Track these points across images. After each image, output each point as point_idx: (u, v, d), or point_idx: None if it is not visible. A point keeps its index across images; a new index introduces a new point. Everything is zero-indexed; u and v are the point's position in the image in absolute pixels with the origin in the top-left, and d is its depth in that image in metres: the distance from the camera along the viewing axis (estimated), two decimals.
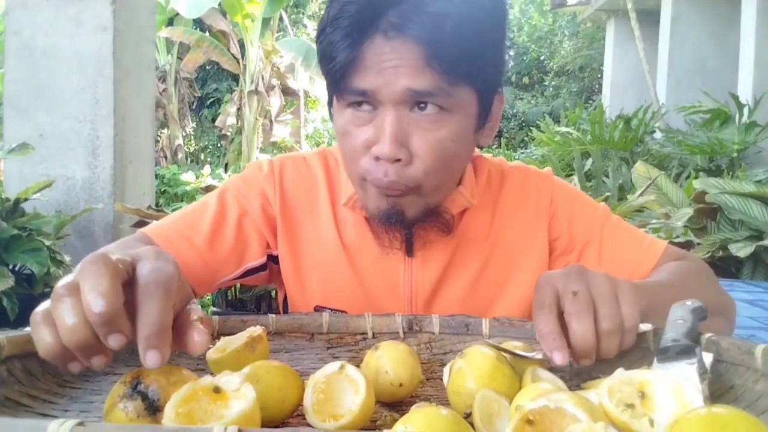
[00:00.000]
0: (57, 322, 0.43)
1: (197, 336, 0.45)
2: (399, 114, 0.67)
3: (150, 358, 0.42)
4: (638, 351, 0.61)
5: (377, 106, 0.68)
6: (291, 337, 0.70)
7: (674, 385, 0.44)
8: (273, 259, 0.87)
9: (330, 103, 0.76)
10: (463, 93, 0.69)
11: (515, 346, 0.60)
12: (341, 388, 0.50)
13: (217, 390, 0.43)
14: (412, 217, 0.74)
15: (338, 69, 0.67)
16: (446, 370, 0.56)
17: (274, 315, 0.72)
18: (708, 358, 0.52)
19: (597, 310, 0.56)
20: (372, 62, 0.66)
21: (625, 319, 0.56)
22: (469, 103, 0.70)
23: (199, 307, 0.49)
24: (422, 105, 0.67)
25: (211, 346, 0.61)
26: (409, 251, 0.82)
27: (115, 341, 0.42)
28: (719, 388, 0.54)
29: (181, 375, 0.46)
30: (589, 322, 0.55)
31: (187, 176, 7.81)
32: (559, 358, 0.54)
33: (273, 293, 2.47)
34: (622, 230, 0.86)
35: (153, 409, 0.44)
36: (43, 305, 0.45)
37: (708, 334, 0.57)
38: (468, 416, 0.47)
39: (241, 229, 0.83)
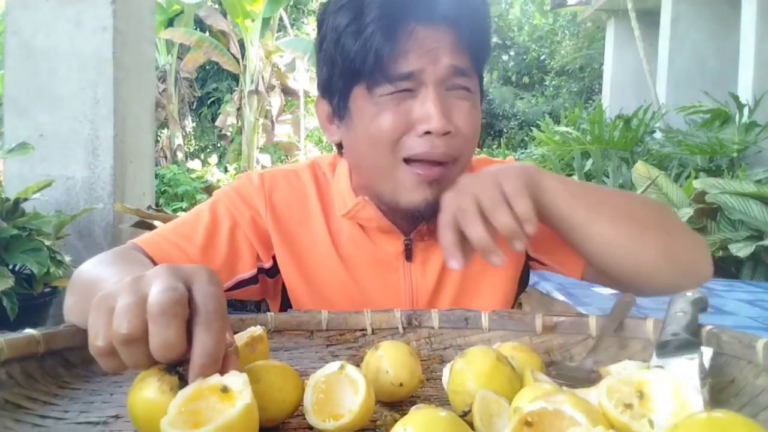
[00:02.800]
0: (126, 359, 0.45)
1: (231, 366, 0.47)
2: (440, 92, 0.72)
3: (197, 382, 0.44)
4: (639, 342, 0.61)
5: (417, 88, 0.72)
6: (290, 335, 0.70)
7: (673, 385, 0.44)
8: (263, 272, 0.87)
9: (341, 103, 0.77)
10: (475, 75, 0.76)
11: (514, 346, 0.60)
12: (341, 388, 0.50)
13: (225, 390, 0.44)
14: None
15: (378, 58, 0.70)
16: (446, 370, 0.56)
17: (272, 313, 0.72)
18: (708, 352, 0.52)
19: (486, 211, 0.64)
20: (412, 47, 0.70)
21: (514, 205, 0.64)
22: (476, 83, 0.77)
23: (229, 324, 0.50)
24: (456, 85, 0.73)
25: None
26: (409, 257, 0.83)
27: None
28: (720, 382, 0.54)
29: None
30: (478, 225, 0.63)
31: (194, 164, 7.87)
32: (454, 263, 0.64)
33: None
34: None
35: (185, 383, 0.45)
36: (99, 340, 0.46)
37: (708, 327, 0.57)
38: (465, 414, 0.48)
39: (234, 240, 0.83)
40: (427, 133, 0.71)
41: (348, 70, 0.72)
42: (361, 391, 0.48)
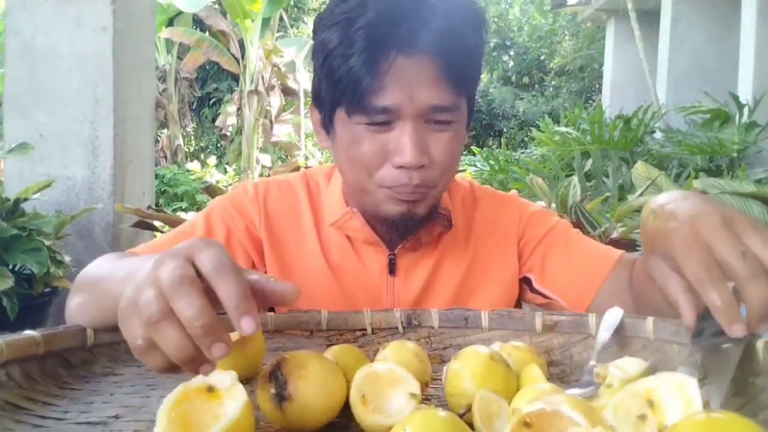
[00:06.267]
0: (163, 344, 0.43)
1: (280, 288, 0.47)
2: (417, 125, 0.72)
3: (245, 324, 0.42)
4: (639, 341, 0.61)
5: (394, 120, 0.72)
6: (290, 335, 0.71)
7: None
8: None
9: (327, 118, 0.77)
10: (462, 102, 0.76)
11: (515, 346, 0.60)
12: (392, 386, 0.50)
13: (210, 389, 0.44)
14: (422, 217, 0.78)
15: (357, 90, 0.69)
16: (445, 371, 0.57)
17: (272, 313, 0.72)
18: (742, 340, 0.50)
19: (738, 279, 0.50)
20: (392, 80, 0.69)
21: None
22: (464, 109, 0.77)
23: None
24: (435, 119, 0.73)
25: None
26: (392, 271, 0.85)
27: (218, 350, 0.42)
28: None
29: (316, 367, 0.48)
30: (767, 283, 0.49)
31: (193, 165, 7.88)
32: (740, 330, 0.49)
33: None
34: (578, 240, 0.89)
35: (279, 398, 0.46)
36: (133, 331, 0.45)
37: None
38: (464, 414, 0.48)
39: (228, 249, 0.83)
40: (402, 166, 0.72)
41: (331, 92, 0.73)
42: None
